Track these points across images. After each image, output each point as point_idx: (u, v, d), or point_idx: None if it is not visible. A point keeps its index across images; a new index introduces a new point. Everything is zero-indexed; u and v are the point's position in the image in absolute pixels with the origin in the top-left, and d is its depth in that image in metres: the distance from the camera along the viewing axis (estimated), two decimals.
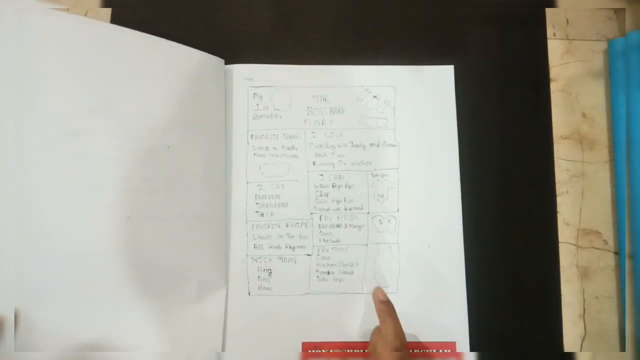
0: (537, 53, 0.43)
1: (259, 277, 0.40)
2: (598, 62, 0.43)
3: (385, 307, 0.37)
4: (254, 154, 0.41)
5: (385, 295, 0.38)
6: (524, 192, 0.41)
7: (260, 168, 0.41)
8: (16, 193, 0.29)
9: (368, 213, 0.41)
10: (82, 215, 0.32)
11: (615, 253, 0.41)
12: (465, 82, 0.42)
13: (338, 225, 0.41)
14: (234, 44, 0.42)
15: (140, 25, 0.36)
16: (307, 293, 0.40)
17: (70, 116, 0.32)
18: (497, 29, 0.43)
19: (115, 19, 0.42)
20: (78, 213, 0.31)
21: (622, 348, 0.39)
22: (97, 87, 0.34)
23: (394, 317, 0.36)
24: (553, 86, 0.43)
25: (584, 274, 0.40)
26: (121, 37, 0.35)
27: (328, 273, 0.40)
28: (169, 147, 0.36)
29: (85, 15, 0.42)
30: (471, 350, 0.39)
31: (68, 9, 0.42)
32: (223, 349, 0.38)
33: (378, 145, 0.42)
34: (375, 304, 0.38)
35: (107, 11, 0.42)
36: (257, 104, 0.42)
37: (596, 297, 0.40)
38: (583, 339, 0.39)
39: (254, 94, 0.42)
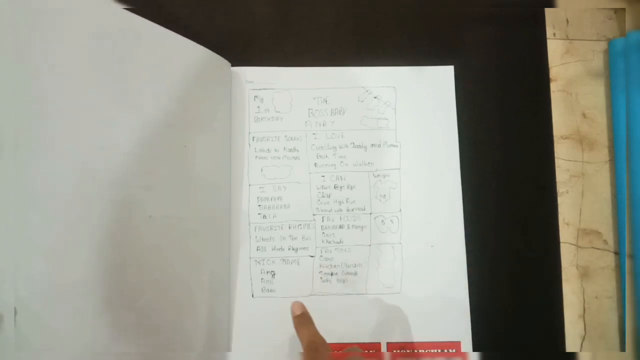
0: (537, 53, 0.43)
1: (262, 279, 0.40)
2: (598, 62, 0.44)
3: (302, 319, 0.36)
4: (256, 156, 0.41)
5: (300, 308, 0.37)
6: (524, 192, 0.41)
7: (262, 170, 0.41)
8: (36, 184, 0.29)
9: (370, 214, 0.41)
10: (106, 210, 0.31)
11: (615, 253, 0.41)
12: (465, 82, 0.42)
13: (340, 227, 0.41)
14: (234, 47, 0.42)
15: None
16: (310, 294, 0.40)
17: (98, 105, 0.32)
18: (496, 29, 0.43)
19: None
20: (101, 207, 0.31)
21: (622, 348, 0.39)
22: (121, 78, 0.33)
23: (309, 326, 0.35)
24: (553, 86, 0.43)
25: (584, 274, 0.41)
26: (142, 28, 0.35)
27: (331, 274, 0.40)
28: (185, 146, 0.36)
29: None
30: (474, 350, 0.39)
31: None
32: (228, 350, 0.38)
33: (379, 146, 0.42)
34: (293, 319, 0.37)
35: None
36: (258, 107, 0.42)
37: (596, 297, 0.40)
38: (583, 339, 0.40)
39: (255, 96, 0.42)
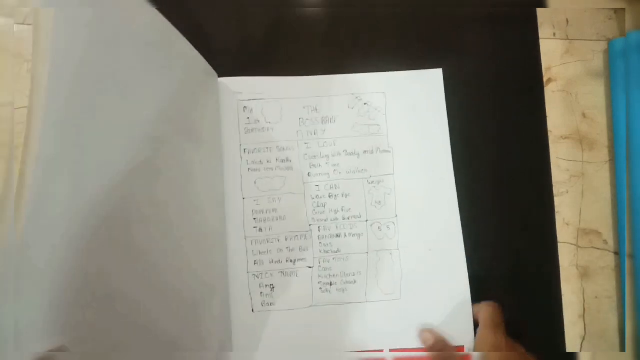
0: (529, 53, 0.43)
1: (261, 293, 0.40)
2: (598, 62, 0.43)
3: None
4: (248, 168, 0.41)
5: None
6: (520, 192, 0.41)
7: (255, 183, 0.41)
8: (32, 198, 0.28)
9: (367, 221, 0.41)
10: (99, 228, 0.30)
11: (615, 253, 0.41)
12: (455, 84, 0.42)
13: (337, 235, 0.41)
14: (220, 57, 0.41)
15: None
16: (311, 306, 0.40)
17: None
18: (486, 30, 0.43)
19: None
20: (96, 226, 0.29)
21: (622, 348, 0.39)
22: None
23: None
24: (553, 86, 0.42)
25: (584, 274, 0.41)
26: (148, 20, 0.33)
27: (331, 284, 0.40)
28: (177, 160, 0.35)
29: None
30: None
31: None
32: None
33: (372, 152, 0.41)
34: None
35: None
36: (248, 118, 0.41)
37: (596, 297, 0.40)
38: (583, 339, 0.40)
39: (244, 107, 0.41)
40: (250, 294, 0.40)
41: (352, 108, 0.41)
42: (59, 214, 0.27)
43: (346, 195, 0.41)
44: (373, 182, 0.41)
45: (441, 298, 0.40)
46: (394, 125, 0.41)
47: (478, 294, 0.40)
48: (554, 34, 0.43)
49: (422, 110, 0.42)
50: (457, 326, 0.39)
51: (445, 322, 0.39)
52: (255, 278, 0.40)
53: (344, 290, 0.40)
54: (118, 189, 0.31)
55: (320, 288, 0.40)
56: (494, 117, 0.42)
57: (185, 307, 0.36)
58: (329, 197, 0.41)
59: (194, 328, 0.36)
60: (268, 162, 0.41)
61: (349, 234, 0.41)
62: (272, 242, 0.40)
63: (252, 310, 0.39)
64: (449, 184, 0.41)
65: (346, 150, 0.41)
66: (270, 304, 0.39)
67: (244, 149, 0.41)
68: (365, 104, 0.41)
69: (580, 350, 0.40)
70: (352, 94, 0.41)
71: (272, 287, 0.40)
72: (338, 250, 0.40)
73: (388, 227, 0.41)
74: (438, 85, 0.42)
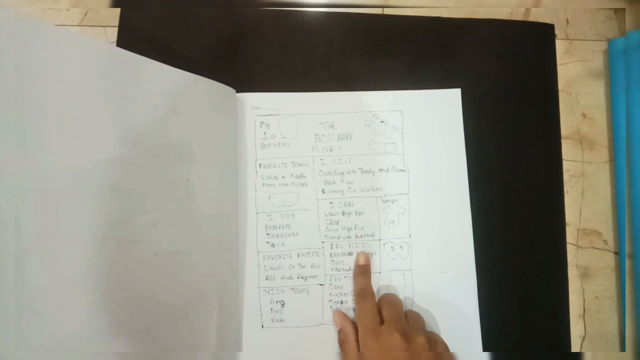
0: (547, 72, 0.43)
1: (271, 309, 0.39)
2: (598, 62, 0.43)
3: (362, 269, 0.39)
4: (263, 183, 0.41)
5: (365, 259, 0.40)
6: (534, 214, 0.41)
7: (269, 198, 0.41)
8: (38, 224, 0.28)
9: (379, 240, 0.40)
10: (112, 251, 0.31)
11: (615, 253, 0.41)
12: (473, 103, 0.42)
13: (350, 253, 0.40)
14: (238, 73, 0.42)
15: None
16: (321, 324, 0.39)
17: (103, 144, 0.31)
18: (504, 49, 0.43)
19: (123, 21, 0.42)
20: (105, 248, 0.31)
21: (622, 348, 0.39)
22: (124, 117, 0.33)
23: (365, 276, 0.39)
24: None
25: (584, 274, 0.41)
26: (141, 67, 0.34)
27: (341, 303, 0.40)
28: (187, 179, 0.36)
29: (85, 15, 0.42)
30: None
31: (68, 9, 0.42)
32: None
33: (387, 171, 0.41)
34: (354, 267, 0.40)
35: (109, 12, 0.42)
36: (265, 133, 0.41)
37: (596, 297, 0.40)
38: (583, 339, 0.40)
39: (261, 122, 0.41)
40: (260, 309, 0.39)
41: (369, 126, 0.41)
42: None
43: (360, 214, 0.41)
44: (387, 201, 0.41)
45: (452, 320, 0.39)
46: (410, 144, 0.41)
47: (489, 320, 0.39)
48: (554, 34, 0.44)
49: (439, 130, 0.41)
50: (466, 350, 0.39)
51: (455, 347, 0.39)
52: (266, 294, 0.39)
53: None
54: (131, 211, 0.32)
55: (331, 306, 0.40)
56: (509, 137, 0.42)
57: (193, 319, 0.35)
58: (343, 214, 0.41)
59: (199, 341, 0.36)
60: (283, 177, 0.41)
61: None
62: (284, 258, 0.40)
63: (262, 326, 0.39)
64: (464, 206, 0.40)
65: (361, 168, 0.41)
66: (280, 320, 0.39)
67: (259, 164, 0.41)
68: (382, 122, 0.41)
69: (580, 350, 0.39)
70: (369, 112, 0.41)
71: (283, 304, 0.39)
72: (350, 269, 0.40)
73: (401, 247, 0.40)
74: (456, 104, 0.42)
